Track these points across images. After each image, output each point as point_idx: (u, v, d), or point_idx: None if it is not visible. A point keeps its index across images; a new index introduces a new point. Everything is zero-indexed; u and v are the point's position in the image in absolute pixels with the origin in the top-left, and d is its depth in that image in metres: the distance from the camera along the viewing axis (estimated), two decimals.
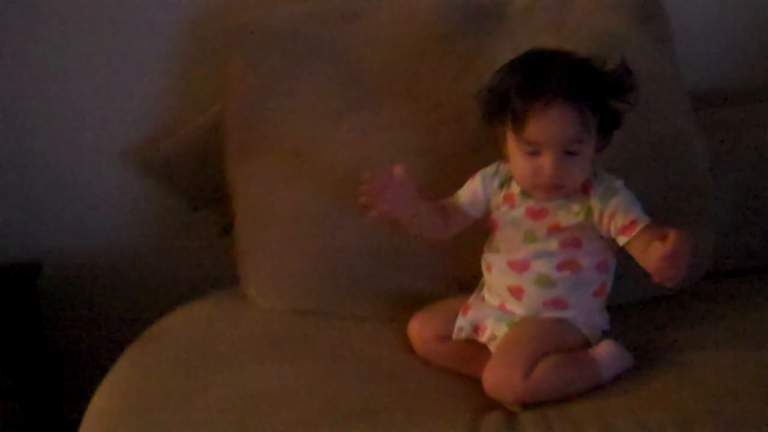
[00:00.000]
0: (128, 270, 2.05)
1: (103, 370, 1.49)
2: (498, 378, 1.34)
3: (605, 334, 1.45)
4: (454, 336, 1.46)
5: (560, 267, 1.41)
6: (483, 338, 1.44)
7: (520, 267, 1.43)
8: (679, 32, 1.75)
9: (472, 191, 1.51)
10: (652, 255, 1.29)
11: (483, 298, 1.49)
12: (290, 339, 1.53)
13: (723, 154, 1.72)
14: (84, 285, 2.04)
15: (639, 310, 1.58)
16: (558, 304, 1.42)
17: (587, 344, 1.41)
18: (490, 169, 1.51)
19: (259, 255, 1.63)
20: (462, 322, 1.46)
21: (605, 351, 1.39)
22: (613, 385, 1.35)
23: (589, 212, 1.40)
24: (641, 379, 1.35)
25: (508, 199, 1.47)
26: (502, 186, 1.49)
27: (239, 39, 1.74)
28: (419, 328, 1.49)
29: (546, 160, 1.37)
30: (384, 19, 1.71)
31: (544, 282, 1.42)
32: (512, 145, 1.40)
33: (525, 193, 1.44)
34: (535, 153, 1.37)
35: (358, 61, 1.68)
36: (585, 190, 1.41)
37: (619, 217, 1.37)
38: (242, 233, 1.66)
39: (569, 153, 1.36)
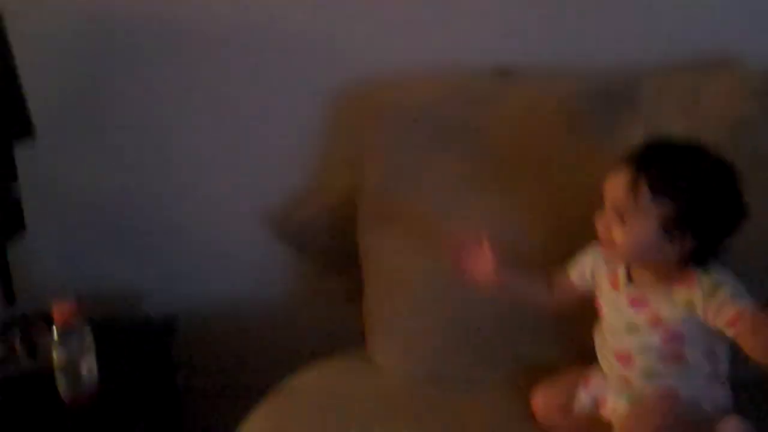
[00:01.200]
0: (259, 328, 2.14)
1: (235, 425, 1.57)
2: None
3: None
4: (576, 410, 1.48)
5: (664, 360, 1.41)
6: (605, 412, 1.46)
7: (624, 360, 1.44)
8: None
9: (581, 263, 1.55)
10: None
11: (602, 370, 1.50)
12: (415, 403, 1.58)
13: None
14: (217, 341, 2.13)
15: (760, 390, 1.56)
16: (668, 390, 1.41)
17: (711, 420, 1.41)
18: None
19: (387, 321, 1.71)
20: (584, 395, 1.49)
21: (730, 428, 1.38)
22: None
23: (690, 305, 1.39)
24: None
25: (613, 282, 1.49)
26: (608, 264, 1.50)
27: (380, 117, 1.84)
28: (542, 400, 1.52)
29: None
30: (517, 103, 1.78)
31: (650, 375, 1.42)
32: None
33: (629, 279, 1.46)
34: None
35: (491, 142, 1.74)
36: (688, 282, 1.40)
37: (726, 309, 1.35)
38: (371, 299, 1.74)
39: (621, 218, 1.38)
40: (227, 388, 2.10)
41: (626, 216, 1.39)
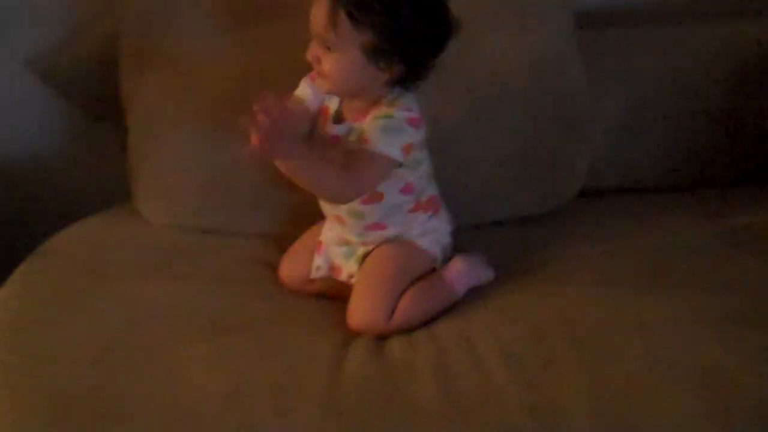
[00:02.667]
0: (32, 181, 2.06)
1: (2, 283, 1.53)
2: (361, 323, 1.41)
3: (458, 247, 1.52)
4: (312, 275, 1.52)
5: (364, 201, 1.43)
6: (342, 277, 1.50)
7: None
8: None
9: (302, 86, 1.49)
10: None
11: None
12: (178, 256, 1.58)
13: (605, 75, 1.76)
14: None
15: (510, 229, 1.65)
16: (377, 227, 1.47)
17: (435, 261, 1.49)
18: None
19: (149, 171, 1.66)
20: (318, 261, 1.52)
21: (455, 269, 1.47)
22: (475, 302, 1.44)
23: (363, 134, 1.39)
24: (502, 296, 1.44)
25: (324, 111, 1.48)
26: (330, 97, 1.48)
27: None
28: (287, 273, 1.55)
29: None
30: None
31: (356, 215, 1.46)
32: None
33: (335, 115, 1.45)
34: None
35: None
36: (367, 116, 1.40)
37: (365, 132, 1.37)
38: (134, 149, 1.68)
39: (327, 48, 1.35)
40: (5, 250, 2.03)
41: (330, 46, 1.34)
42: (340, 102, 1.46)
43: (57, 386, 1.27)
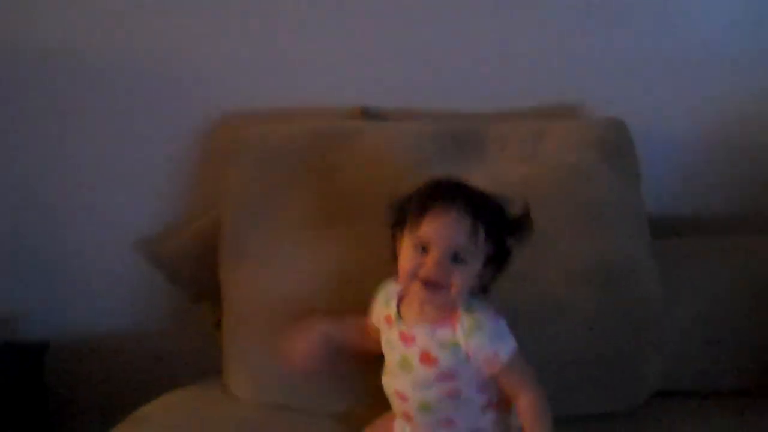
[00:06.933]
0: (131, 353, 2.18)
1: None
2: None
3: None
4: None
5: (439, 399, 1.48)
6: None
7: (402, 396, 1.51)
8: (649, 165, 1.90)
9: (376, 307, 1.59)
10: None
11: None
12: None
13: (679, 282, 1.82)
14: (88, 366, 2.18)
15: (589, 426, 1.67)
16: (446, 424, 1.50)
17: None
18: (384, 286, 1.59)
19: (239, 353, 1.76)
20: None
21: None
22: None
23: (456, 345, 1.45)
24: None
25: (388, 319, 1.55)
26: (387, 304, 1.56)
27: (239, 151, 1.89)
28: None
29: (432, 257, 1.42)
30: (370, 142, 1.85)
31: (426, 408, 1.49)
32: (405, 243, 1.47)
33: (399, 316, 1.52)
34: (424, 251, 1.43)
35: (343, 179, 1.81)
36: (452, 322, 1.46)
37: (482, 352, 1.44)
38: (228, 330, 1.79)
39: (457, 260, 1.43)
40: (101, 415, 2.10)
41: (467, 258, 1.43)
42: (398, 305, 1.54)
43: None
